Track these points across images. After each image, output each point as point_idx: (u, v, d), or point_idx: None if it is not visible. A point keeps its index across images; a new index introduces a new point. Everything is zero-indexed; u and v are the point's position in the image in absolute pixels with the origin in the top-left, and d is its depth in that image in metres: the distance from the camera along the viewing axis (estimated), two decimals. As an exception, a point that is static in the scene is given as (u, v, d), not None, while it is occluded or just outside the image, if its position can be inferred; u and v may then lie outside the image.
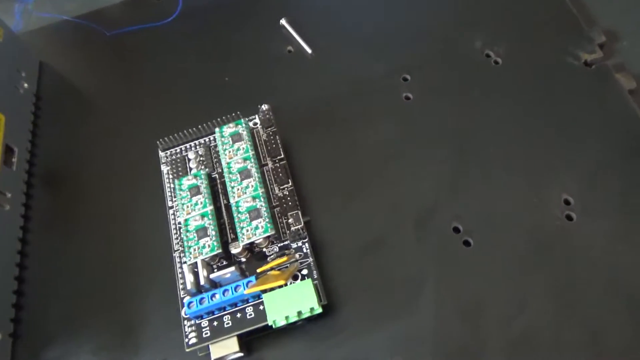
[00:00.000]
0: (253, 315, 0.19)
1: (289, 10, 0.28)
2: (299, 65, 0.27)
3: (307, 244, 0.20)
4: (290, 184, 0.22)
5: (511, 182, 0.22)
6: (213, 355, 0.19)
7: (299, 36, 0.27)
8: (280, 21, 0.28)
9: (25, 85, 0.29)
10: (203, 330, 0.19)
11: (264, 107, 0.24)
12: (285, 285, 0.18)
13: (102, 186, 0.25)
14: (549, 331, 0.19)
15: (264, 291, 0.19)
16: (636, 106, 0.23)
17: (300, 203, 0.22)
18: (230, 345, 0.19)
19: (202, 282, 0.19)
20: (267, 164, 0.23)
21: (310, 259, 0.20)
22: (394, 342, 0.20)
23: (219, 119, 0.24)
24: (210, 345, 0.19)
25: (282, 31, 0.28)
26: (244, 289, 0.19)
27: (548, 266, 0.20)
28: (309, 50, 0.27)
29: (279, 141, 0.23)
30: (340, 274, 0.21)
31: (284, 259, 0.19)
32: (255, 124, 0.24)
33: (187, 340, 0.19)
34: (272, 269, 0.19)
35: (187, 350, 0.19)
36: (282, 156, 0.23)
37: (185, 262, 0.20)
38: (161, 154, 0.24)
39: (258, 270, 0.19)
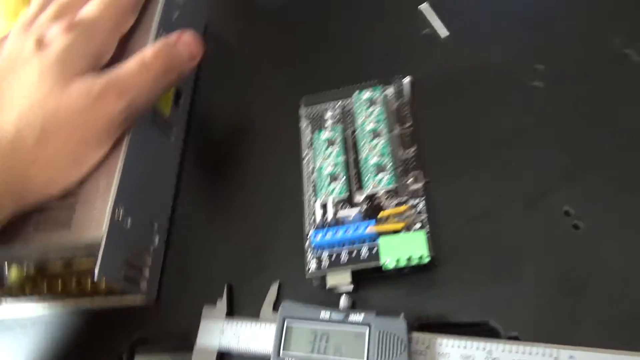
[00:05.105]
0: (367, 255, 0.22)
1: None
2: (433, 45, 0.29)
3: (423, 202, 0.23)
4: (414, 148, 0.24)
5: (630, 177, 0.22)
6: (328, 283, 0.22)
7: (436, 19, 0.29)
8: (420, 7, 0.30)
9: (194, 41, 0.34)
10: (322, 260, 0.22)
11: (399, 79, 0.26)
12: (402, 230, 0.21)
13: (244, 134, 0.30)
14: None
15: (380, 235, 0.22)
16: None
17: (421, 167, 0.24)
18: (343, 277, 0.22)
19: (329, 217, 0.22)
20: (395, 129, 0.25)
21: (424, 216, 0.22)
22: (489, 304, 0.21)
23: (356, 84, 0.27)
24: (326, 274, 0.22)
25: (421, 14, 0.30)
26: (364, 229, 0.21)
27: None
28: (445, 33, 0.29)
29: (408, 110, 0.25)
30: (448, 235, 0.23)
31: (404, 207, 0.22)
32: (389, 93, 0.26)
33: (308, 266, 0.23)
34: (393, 215, 0.22)
35: (307, 275, 0.23)
36: (410, 123, 0.25)
37: (316, 201, 0.23)
38: (302, 110, 0.27)
39: (380, 215, 0.22)
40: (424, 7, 0.30)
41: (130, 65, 0.24)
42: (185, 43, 0.26)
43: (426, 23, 0.29)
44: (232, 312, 0.24)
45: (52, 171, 0.23)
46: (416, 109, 0.26)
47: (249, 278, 0.25)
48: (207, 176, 0.29)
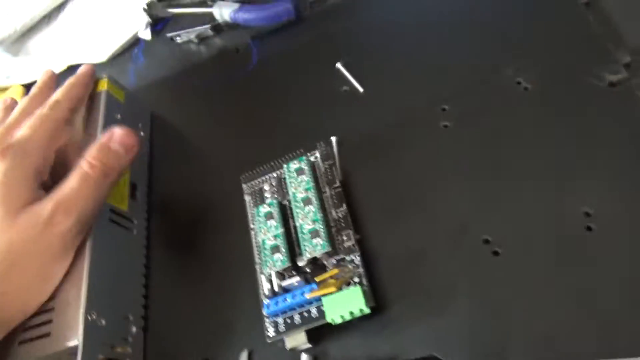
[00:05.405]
0: (317, 315, 0.24)
1: (342, 55, 0.33)
2: (352, 102, 0.32)
3: (358, 257, 0.25)
4: (344, 207, 0.27)
5: (537, 198, 0.25)
6: (287, 345, 0.25)
7: (352, 77, 0.32)
8: (336, 65, 0.33)
9: (142, 133, 0.37)
10: (279, 325, 0.25)
11: (325, 142, 0.29)
12: (338, 291, 0.23)
13: (202, 213, 0.32)
14: (569, 335, 0.22)
15: (323, 296, 0.24)
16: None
17: (354, 222, 0.27)
18: (300, 338, 0.24)
19: (275, 288, 0.24)
20: (326, 191, 0.28)
21: (361, 270, 0.25)
22: (433, 337, 0.24)
23: (287, 155, 0.29)
24: (284, 338, 0.25)
25: (338, 73, 0.33)
26: (307, 293, 0.24)
27: (570, 275, 0.23)
28: (361, 89, 0.32)
29: (335, 171, 0.28)
30: (387, 281, 0.25)
31: (337, 270, 0.24)
32: (316, 157, 0.29)
33: (267, 333, 0.25)
34: (329, 277, 0.24)
35: (268, 341, 0.25)
36: (338, 184, 0.28)
37: (262, 273, 0.25)
38: (244, 186, 0.30)
39: (317, 279, 0.24)
40: (340, 66, 0.33)
41: (70, 181, 0.26)
42: (118, 141, 0.28)
43: (344, 80, 0.32)
44: (211, 385, 0.26)
45: (23, 296, 0.25)
46: (344, 167, 0.29)
47: (224, 350, 0.27)
48: (174, 257, 0.32)
